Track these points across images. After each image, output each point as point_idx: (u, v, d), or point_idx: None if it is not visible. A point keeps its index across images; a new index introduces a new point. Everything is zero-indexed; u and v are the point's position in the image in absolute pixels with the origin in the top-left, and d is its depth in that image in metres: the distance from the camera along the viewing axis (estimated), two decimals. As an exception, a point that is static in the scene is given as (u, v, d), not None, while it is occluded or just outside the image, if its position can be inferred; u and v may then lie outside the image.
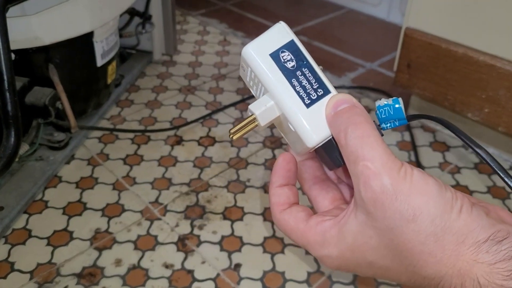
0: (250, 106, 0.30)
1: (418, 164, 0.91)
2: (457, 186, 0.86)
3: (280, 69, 0.29)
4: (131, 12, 1.12)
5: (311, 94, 0.29)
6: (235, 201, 0.83)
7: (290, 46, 0.30)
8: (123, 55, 1.22)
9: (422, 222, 0.25)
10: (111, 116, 1.04)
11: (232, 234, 0.77)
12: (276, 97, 0.30)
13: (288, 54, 0.30)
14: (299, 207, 0.31)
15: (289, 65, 0.29)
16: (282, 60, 0.29)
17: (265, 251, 0.75)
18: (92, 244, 0.75)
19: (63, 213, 0.80)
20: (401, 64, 0.95)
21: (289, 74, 0.29)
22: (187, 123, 1.02)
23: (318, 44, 1.36)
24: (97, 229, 0.78)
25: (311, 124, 0.29)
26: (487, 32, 0.81)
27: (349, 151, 0.27)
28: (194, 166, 0.91)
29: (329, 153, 0.30)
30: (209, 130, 1.00)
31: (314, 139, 0.29)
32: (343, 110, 0.29)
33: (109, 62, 0.96)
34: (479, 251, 0.24)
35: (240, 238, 0.77)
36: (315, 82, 0.30)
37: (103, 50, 0.92)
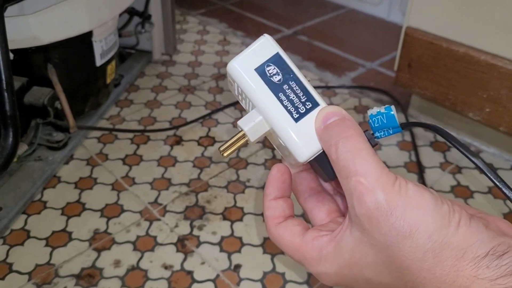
0: (238, 122, 0.30)
1: (418, 164, 0.90)
2: (458, 187, 0.86)
3: (267, 84, 0.29)
4: (131, 12, 1.12)
5: (299, 108, 0.29)
6: (235, 202, 0.83)
7: (275, 60, 0.29)
8: (123, 55, 1.21)
9: (419, 238, 0.24)
10: (110, 116, 1.04)
11: (232, 234, 0.77)
12: (264, 113, 0.29)
13: (274, 68, 0.29)
14: (295, 220, 0.30)
15: (276, 79, 0.29)
16: (268, 74, 0.29)
17: (265, 252, 0.74)
18: (91, 245, 0.75)
19: (62, 214, 0.80)
20: (402, 64, 0.94)
21: (275, 89, 0.29)
22: (187, 123, 1.01)
23: (318, 43, 1.35)
24: (96, 229, 0.77)
25: (301, 139, 0.29)
26: (488, 31, 0.81)
27: (341, 166, 0.26)
28: (194, 166, 0.90)
29: (322, 166, 0.29)
30: (209, 130, 1.00)
31: (305, 154, 0.29)
32: (333, 123, 0.28)
33: (108, 62, 0.95)
34: (479, 267, 0.23)
35: (240, 238, 0.76)
36: (303, 95, 0.29)
37: (102, 49, 0.92)
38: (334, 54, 1.30)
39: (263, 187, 0.85)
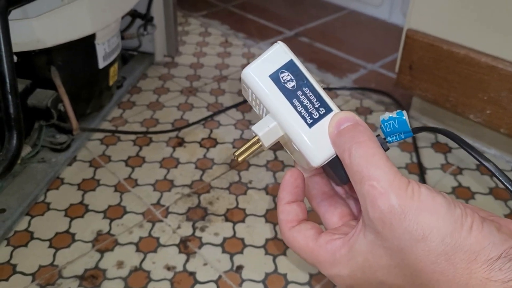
0: (253, 127, 0.30)
1: (419, 165, 0.91)
2: (459, 188, 0.86)
3: (281, 90, 0.29)
4: (133, 14, 1.12)
5: (313, 114, 0.29)
6: (237, 203, 0.83)
7: (289, 66, 0.30)
8: (125, 57, 1.22)
9: (432, 241, 0.24)
10: (113, 118, 1.04)
11: (234, 236, 0.77)
12: (278, 118, 0.30)
13: (288, 74, 0.30)
14: (308, 224, 0.31)
15: (289, 85, 0.29)
16: (282, 81, 0.29)
17: (267, 253, 0.75)
18: (94, 246, 0.75)
19: (65, 215, 0.80)
20: (403, 66, 0.95)
21: (290, 95, 0.29)
22: (189, 125, 1.02)
23: (319, 45, 1.36)
24: (99, 231, 0.78)
25: (315, 144, 0.29)
26: (489, 33, 0.81)
27: (354, 171, 0.27)
28: (196, 167, 0.91)
29: (335, 170, 0.30)
30: (211, 131, 1.00)
31: (319, 158, 0.29)
32: (346, 129, 0.28)
33: (111, 64, 0.96)
34: (491, 269, 0.24)
35: (242, 240, 0.77)
36: (316, 101, 0.30)
37: (105, 52, 0.92)
38: (336, 56, 1.31)
39: (265, 189, 0.85)
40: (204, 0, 1.64)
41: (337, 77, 1.20)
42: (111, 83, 0.99)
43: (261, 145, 0.31)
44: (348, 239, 0.28)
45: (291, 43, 1.37)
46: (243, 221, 0.80)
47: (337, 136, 0.29)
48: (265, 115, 0.31)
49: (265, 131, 0.30)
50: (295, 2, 1.65)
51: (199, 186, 0.86)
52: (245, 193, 0.85)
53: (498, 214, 0.82)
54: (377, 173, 0.26)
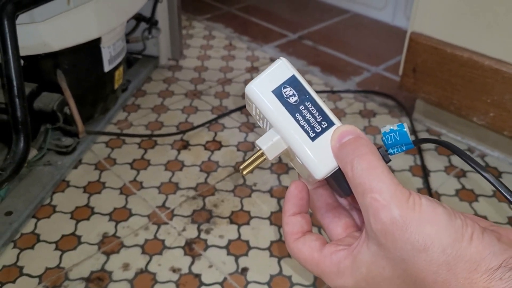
0: (257, 141, 0.31)
1: (423, 168, 0.91)
2: (463, 190, 0.87)
3: (284, 105, 0.30)
4: (138, 18, 1.13)
5: (316, 127, 0.30)
6: (242, 205, 0.83)
7: (291, 82, 0.30)
8: (130, 60, 1.23)
9: (434, 252, 0.25)
10: (118, 121, 1.05)
11: (239, 238, 0.78)
12: (281, 132, 0.30)
13: (290, 89, 0.30)
14: (313, 235, 0.31)
15: (292, 100, 0.30)
16: (285, 96, 0.30)
17: (272, 255, 0.75)
18: (100, 248, 0.76)
19: (71, 218, 0.81)
20: (407, 69, 0.95)
21: (292, 109, 0.30)
22: (194, 128, 1.02)
23: (323, 48, 1.36)
24: (104, 233, 0.78)
25: (318, 157, 0.30)
26: (493, 36, 0.82)
27: (357, 183, 0.27)
28: (201, 170, 0.91)
29: (338, 183, 0.31)
30: (215, 134, 1.01)
31: (322, 171, 0.30)
32: (347, 142, 0.29)
33: (116, 68, 0.96)
34: (492, 278, 0.24)
35: (247, 242, 0.77)
36: (318, 115, 0.30)
37: (110, 55, 0.93)
38: (339, 59, 1.31)
39: (269, 191, 0.86)
40: (208, 4, 1.65)
41: (340, 80, 1.20)
42: (116, 86, 1.00)
43: (265, 159, 0.31)
44: (352, 250, 0.29)
45: (295, 46, 1.37)
46: (247, 223, 0.80)
47: (339, 149, 0.29)
48: (269, 129, 0.31)
49: (269, 145, 0.31)
50: (299, 5, 1.65)
51: (204, 189, 0.87)
52: (249, 196, 0.85)
53: (501, 216, 0.83)
54: (379, 185, 0.26)
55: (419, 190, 0.87)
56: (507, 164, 0.93)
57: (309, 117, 0.30)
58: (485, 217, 0.81)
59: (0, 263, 0.73)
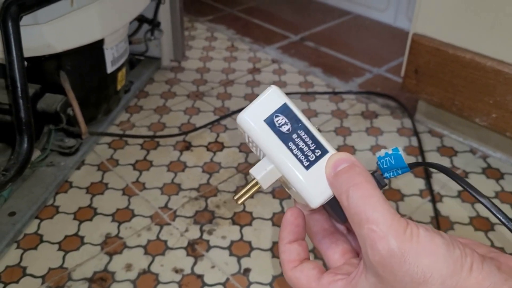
0: (251, 171, 0.31)
1: (425, 169, 0.91)
2: (465, 192, 0.86)
3: (276, 134, 0.30)
4: (140, 19, 1.14)
5: (309, 156, 0.30)
6: (244, 206, 0.84)
7: (283, 110, 0.30)
8: (132, 62, 1.23)
9: (433, 284, 0.25)
10: (121, 122, 1.05)
11: (241, 239, 0.78)
12: (275, 161, 0.30)
13: (283, 118, 0.30)
14: (310, 264, 0.31)
15: (284, 128, 0.30)
16: (277, 125, 0.30)
17: (274, 256, 0.75)
18: (103, 249, 0.76)
19: (74, 218, 0.81)
20: (409, 70, 0.95)
21: (285, 138, 0.30)
22: (196, 129, 1.02)
23: (325, 49, 1.37)
24: (107, 234, 0.78)
25: (312, 186, 0.30)
26: (495, 37, 0.82)
27: (353, 213, 0.27)
28: (203, 171, 0.91)
29: (334, 210, 0.30)
30: (218, 135, 1.01)
31: (317, 200, 0.30)
32: (342, 171, 0.29)
33: (119, 69, 0.97)
34: None
35: (249, 243, 0.77)
36: (312, 143, 0.30)
37: (113, 57, 0.93)
38: (341, 60, 1.31)
39: (271, 192, 0.86)
40: (210, 5, 1.65)
41: (343, 81, 1.21)
42: (119, 87, 1.00)
43: (260, 187, 0.31)
44: (350, 280, 0.28)
45: (296, 47, 1.38)
46: (250, 224, 0.80)
47: (334, 178, 0.29)
48: (263, 157, 0.31)
49: (262, 174, 0.31)
50: (301, 6, 1.66)
51: (206, 190, 0.87)
52: (252, 197, 0.85)
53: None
54: (375, 215, 0.26)
55: (421, 192, 0.87)
56: (509, 165, 0.93)
57: (302, 145, 0.30)
58: (487, 219, 0.81)
59: (4, 263, 0.73)
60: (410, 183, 0.88)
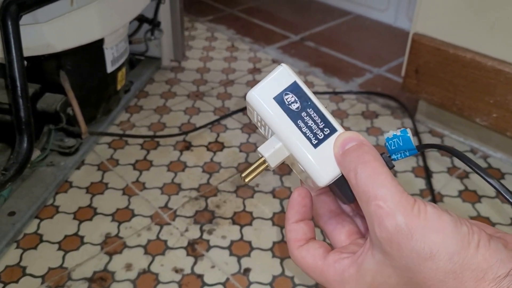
0: (259, 149, 0.31)
1: (426, 169, 0.91)
2: (466, 191, 0.86)
3: (285, 112, 0.30)
4: (140, 19, 1.13)
5: (318, 134, 0.30)
6: (244, 206, 0.84)
7: (293, 88, 0.30)
8: (132, 62, 1.23)
9: (440, 260, 0.25)
10: (121, 122, 1.05)
11: (241, 239, 0.78)
12: (283, 139, 0.30)
13: (292, 96, 0.30)
14: (316, 243, 0.31)
15: (294, 106, 0.30)
16: (287, 103, 0.30)
17: (274, 255, 0.75)
18: (103, 248, 0.76)
19: (74, 218, 0.81)
20: (409, 70, 0.95)
21: (294, 116, 0.30)
22: (196, 129, 1.02)
23: (325, 49, 1.37)
24: (107, 233, 0.78)
25: (320, 164, 0.30)
26: (495, 37, 0.82)
27: (361, 191, 0.27)
28: (203, 171, 0.91)
29: (341, 190, 0.30)
30: (218, 135, 1.01)
31: (325, 178, 0.30)
32: (351, 149, 0.29)
33: (119, 69, 0.97)
34: (499, 287, 0.24)
35: (249, 243, 0.77)
36: (320, 122, 0.30)
37: (113, 56, 0.93)
38: (341, 60, 1.31)
39: (272, 192, 0.86)
40: (210, 5, 1.65)
41: (343, 81, 1.20)
42: (119, 87, 1.00)
43: (267, 166, 0.31)
44: (356, 258, 0.28)
45: (297, 47, 1.38)
46: (250, 224, 0.80)
47: (342, 156, 0.29)
48: (271, 136, 0.31)
49: (271, 152, 0.30)
50: (301, 6, 1.66)
51: (206, 190, 0.87)
52: (252, 197, 0.85)
53: (504, 218, 0.83)
54: (383, 192, 0.26)
55: (422, 191, 0.87)
56: (510, 165, 0.93)
57: (311, 123, 0.30)
58: (487, 219, 0.81)
59: (3, 263, 0.73)
60: (411, 183, 0.88)
